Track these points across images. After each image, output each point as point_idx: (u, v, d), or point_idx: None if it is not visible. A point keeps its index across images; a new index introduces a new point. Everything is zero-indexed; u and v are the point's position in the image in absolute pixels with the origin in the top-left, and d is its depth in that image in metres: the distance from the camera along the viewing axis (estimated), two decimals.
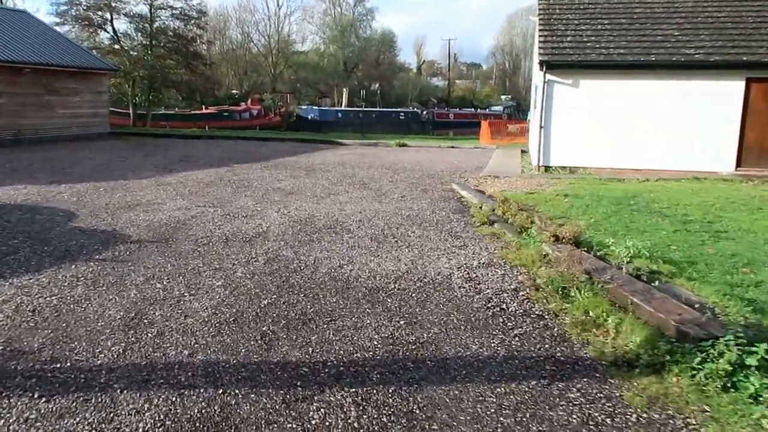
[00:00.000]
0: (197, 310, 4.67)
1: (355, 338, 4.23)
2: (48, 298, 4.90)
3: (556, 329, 4.51)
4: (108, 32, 32.98)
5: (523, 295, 5.24)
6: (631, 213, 8.87)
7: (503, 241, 7.23)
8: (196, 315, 4.57)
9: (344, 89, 51.49)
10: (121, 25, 33.69)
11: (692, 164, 13.27)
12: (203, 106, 42.03)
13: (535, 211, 8.95)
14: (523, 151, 20.12)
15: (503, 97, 69.15)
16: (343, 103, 50.17)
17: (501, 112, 53.41)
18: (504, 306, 4.98)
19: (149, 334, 4.18)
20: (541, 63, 13.79)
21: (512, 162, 16.92)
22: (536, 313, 4.84)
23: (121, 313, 4.58)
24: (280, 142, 23.10)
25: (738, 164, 13.32)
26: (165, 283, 5.37)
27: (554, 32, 14.68)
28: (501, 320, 4.66)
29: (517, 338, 4.32)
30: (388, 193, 10.79)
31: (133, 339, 4.10)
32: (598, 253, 6.20)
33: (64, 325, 4.34)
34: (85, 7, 31.65)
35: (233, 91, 50.59)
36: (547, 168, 14.39)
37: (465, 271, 5.93)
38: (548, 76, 13.93)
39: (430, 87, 71.03)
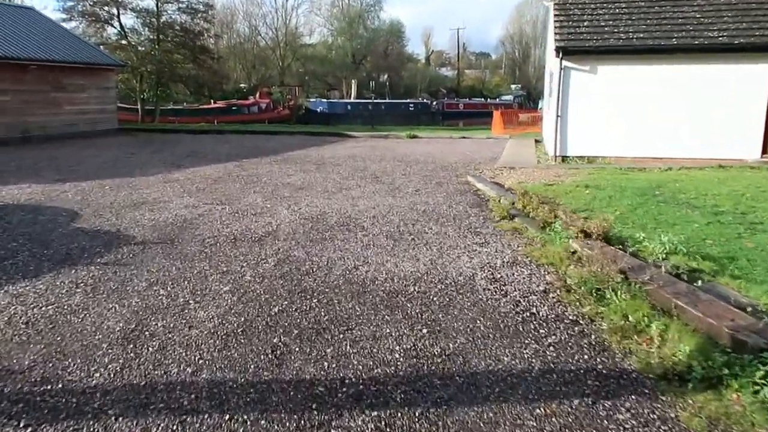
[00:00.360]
0: (202, 320, 4.31)
1: (375, 350, 3.84)
2: (44, 308, 4.55)
3: (593, 336, 4.10)
4: (115, 27, 32.71)
5: (553, 298, 4.82)
6: (657, 204, 8.40)
7: (526, 237, 6.80)
8: (202, 325, 4.21)
9: (353, 81, 50.96)
10: (128, 20, 33.45)
11: (716, 152, 12.73)
12: (211, 101, 41.76)
13: (556, 203, 8.51)
14: (536, 141, 19.62)
15: (513, 86, 68.31)
16: (352, 95, 49.68)
17: (511, 102, 52.67)
18: (534, 310, 4.57)
19: (150, 349, 3.82)
20: (558, 49, 13.27)
21: (527, 152, 16.43)
22: (570, 317, 4.43)
23: (121, 324, 4.22)
24: (289, 136, 22.73)
25: (764, 151, 12.77)
26: (169, 289, 5.01)
27: (570, 17, 14.14)
28: (532, 327, 4.26)
29: (552, 348, 3.92)
30: (402, 186, 10.38)
31: (132, 354, 3.74)
32: (630, 250, 5.77)
33: (59, 338, 3.99)
34: (91, 3, 31.36)
35: (241, 85, 50.25)
36: (564, 158, 13.90)
37: (489, 271, 5.52)
38: (565, 63, 13.41)
39: (439, 77, 70.30)
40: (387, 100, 50.10)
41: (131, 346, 3.86)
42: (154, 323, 4.24)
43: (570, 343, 3.99)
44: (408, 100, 51.24)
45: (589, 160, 13.73)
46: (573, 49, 13.28)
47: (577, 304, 4.67)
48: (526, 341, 4.02)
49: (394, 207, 8.53)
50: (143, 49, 32.67)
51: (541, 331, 4.19)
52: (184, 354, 3.74)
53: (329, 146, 18.34)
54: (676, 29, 13.09)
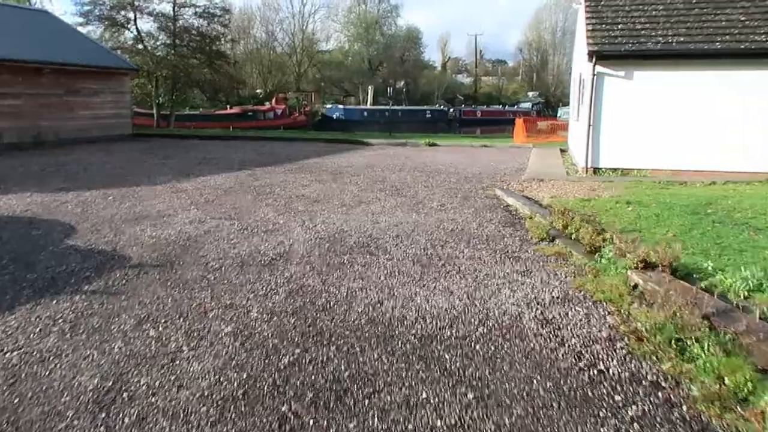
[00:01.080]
0: (196, 376, 3.49)
1: (410, 427, 2.99)
2: (9, 354, 3.77)
3: (684, 407, 3.21)
4: (131, 32, 32.31)
5: (622, 349, 3.94)
6: (713, 225, 7.47)
7: (573, 264, 5.92)
8: (194, 384, 3.39)
9: (369, 87, 50.30)
10: (145, 24, 33.08)
11: (765, 165, 11.72)
12: (227, 106, 41.30)
13: (597, 222, 7.61)
14: (562, 150, 18.69)
15: (530, 93, 67.24)
16: (369, 102, 49.00)
17: (530, 109, 51.66)
18: (602, 366, 3.69)
19: (126, 420, 3.00)
20: (591, 54, 12.36)
21: (554, 162, 15.50)
22: (649, 378, 3.54)
23: (96, 381, 3.42)
24: (305, 143, 22.00)
25: None
26: (161, 329, 4.21)
27: (603, 20, 13.22)
28: (604, 391, 3.38)
29: (636, 425, 3.04)
30: (425, 201, 9.53)
31: (102, 429, 2.92)
32: (703, 284, 4.86)
33: (17, 401, 3.19)
34: (108, 7, 31.00)
35: (257, 91, 49.80)
36: (596, 170, 12.96)
37: (537, 308, 4.65)
38: (598, 68, 12.49)
39: (455, 84, 69.40)
40: (404, 107, 49.36)
41: (103, 415, 3.04)
42: (136, 380, 3.43)
43: (657, 418, 3.11)
44: (425, 107, 50.44)
45: (624, 172, 12.78)
46: (607, 53, 12.36)
47: (654, 358, 3.78)
48: (601, 413, 3.14)
49: (419, 225, 7.69)
50: (159, 53, 32.25)
51: (616, 397, 3.31)
52: (167, 429, 2.92)
53: (346, 154, 17.55)
54: (720, 32, 12.11)
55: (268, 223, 7.79)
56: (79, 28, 28.07)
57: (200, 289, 5.09)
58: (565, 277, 5.48)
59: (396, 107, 44.95)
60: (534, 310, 4.62)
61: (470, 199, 9.75)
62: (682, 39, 12.24)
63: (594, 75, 12.52)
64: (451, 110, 49.47)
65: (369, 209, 8.76)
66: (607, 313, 4.55)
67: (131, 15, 31.41)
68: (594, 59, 12.36)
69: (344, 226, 7.60)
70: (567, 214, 7.56)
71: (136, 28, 31.97)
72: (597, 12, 13.53)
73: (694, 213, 8.17)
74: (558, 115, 45.91)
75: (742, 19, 12.36)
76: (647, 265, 5.22)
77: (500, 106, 55.72)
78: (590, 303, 4.77)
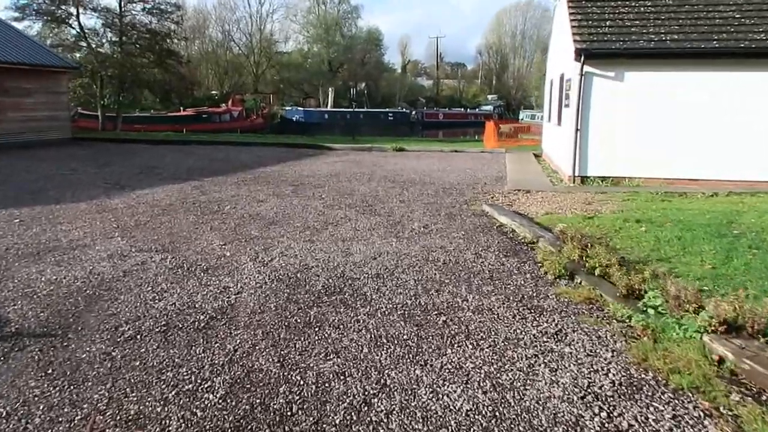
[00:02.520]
0: None
1: None
2: None
3: None
4: (74, 28, 29.58)
5: None
6: (752, 252, 6.15)
7: (614, 318, 4.41)
8: None
9: (329, 89, 48.46)
10: (89, 20, 30.43)
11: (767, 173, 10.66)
12: (181, 108, 38.80)
13: (612, 248, 6.20)
14: (536, 155, 17.45)
15: (489, 96, 66.71)
16: (329, 104, 47.19)
17: (491, 112, 50.86)
18: None
19: None
20: (578, 52, 11.03)
21: (533, 170, 14.18)
22: None
23: None
24: (263, 147, 20.13)
25: None
26: None
27: (589, 16, 11.95)
28: None
29: None
30: (404, 221, 7.93)
31: None
32: None
33: None
34: (48, 1, 28.22)
35: (213, 92, 47.24)
36: (583, 179, 11.66)
37: (599, 408, 3.10)
38: (586, 68, 11.17)
39: (416, 87, 68.20)
40: (365, 110, 47.77)
41: None
42: None
43: None
44: (387, 110, 48.99)
45: (614, 181, 11.51)
46: (597, 51, 11.06)
47: None
48: None
49: (403, 256, 6.08)
50: (104, 51, 29.65)
51: None
52: None
53: (307, 161, 15.82)
54: (716, 31, 10.98)
55: (210, 256, 6.04)
56: (15, 24, 25.37)
57: (96, 381, 3.34)
58: (615, 342, 3.96)
59: (358, 110, 43.34)
60: (595, 411, 3.07)
61: (456, 217, 8.21)
62: (676, 37, 11.06)
63: (582, 75, 11.20)
64: (414, 113, 48.17)
65: (338, 233, 7.10)
66: (703, 415, 3.04)
67: (73, 10, 28.69)
68: (582, 58, 11.04)
69: (309, 259, 5.93)
70: (579, 241, 6.08)
71: (79, 24, 29.27)
72: (581, 7, 12.26)
73: (720, 235, 6.86)
74: (520, 117, 45.23)
75: (737, 16, 11.28)
76: (728, 327, 3.77)
77: (462, 109, 54.79)
78: (670, 394, 3.25)
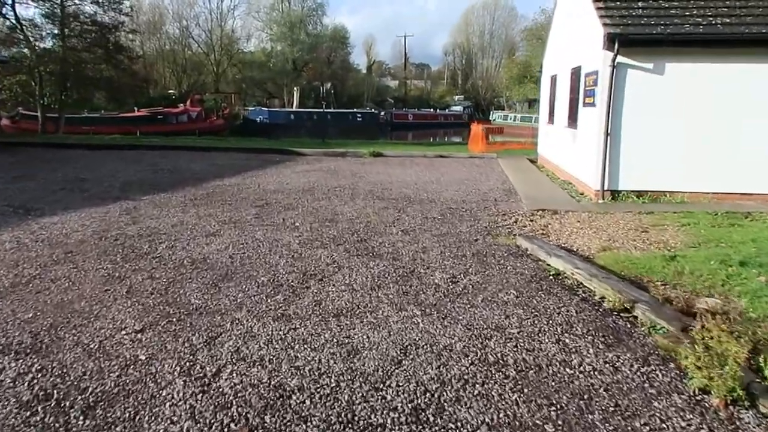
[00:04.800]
0: None
1: None
2: None
3: None
4: (7, 18, 25.84)
5: None
6: None
7: None
8: None
9: (295, 89, 45.44)
10: (26, 10, 26.77)
11: None
12: (135, 108, 35.19)
13: (751, 321, 3.84)
14: (531, 161, 15.19)
15: (456, 97, 64.78)
16: (294, 104, 44.20)
17: (461, 113, 48.80)
18: None
19: None
20: (610, 38, 8.73)
21: (541, 180, 11.84)
22: None
23: None
24: (222, 153, 17.25)
25: None
26: None
27: None
28: None
29: None
30: (419, 267, 5.38)
31: None
32: None
33: None
34: None
35: (170, 91, 43.52)
36: (614, 194, 9.36)
37: None
38: (619, 58, 8.88)
39: (383, 87, 65.59)
40: (333, 110, 44.98)
41: None
42: None
43: None
44: (356, 110, 46.30)
45: (652, 197, 9.24)
46: (635, 37, 8.79)
47: None
48: None
49: (444, 356, 3.51)
50: (44, 45, 26.06)
51: None
52: None
53: (274, 170, 13.09)
54: None
55: (110, 364, 3.36)
56: None
57: None
58: None
59: (325, 110, 40.55)
60: None
61: (488, 259, 5.71)
62: (727, 20, 8.86)
63: (614, 67, 8.90)
64: (383, 113, 45.65)
65: (327, 299, 4.50)
66: None
67: None
68: (616, 45, 8.73)
69: (284, 371, 3.30)
70: (727, 320, 3.65)
71: (15, 13, 25.56)
72: None
73: None
74: (492, 118, 43.26)
75: None
76: None
77: (432, 110, 52.56)
78: None
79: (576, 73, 11.13)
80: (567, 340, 3.76)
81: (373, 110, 47.20)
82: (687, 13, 9.11)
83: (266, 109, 42.50)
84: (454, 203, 8.94)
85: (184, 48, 47.63)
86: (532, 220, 7.74)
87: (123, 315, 4.12)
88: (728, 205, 8.61)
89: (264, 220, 7.47)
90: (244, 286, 4.77)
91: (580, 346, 3.68)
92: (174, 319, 4.04)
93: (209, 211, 8.02)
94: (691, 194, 9.13)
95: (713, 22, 8.83)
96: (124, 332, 3.82)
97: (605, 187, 9.34)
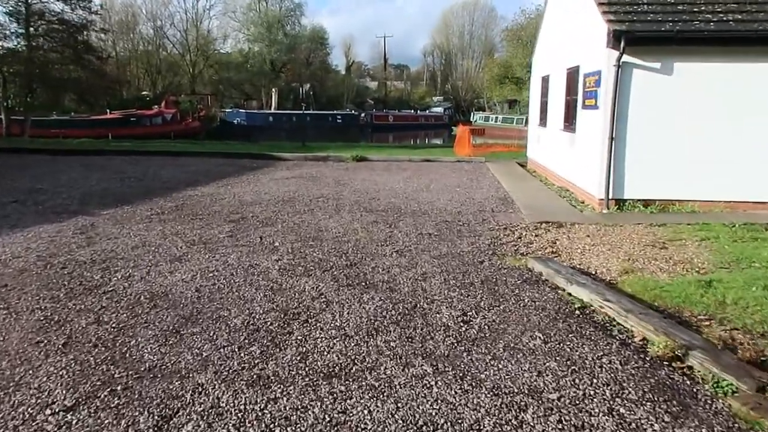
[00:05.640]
0: None
1: None
2: None
3: None
4: None
5: None
6: None
7: None
8: None
9: (273, 90, 44.24)
10: None
11: None
12: (107, 111, 33.70)
13: None
14: (521, 165, 14.50)
15: (435, 98, 64.17)
16: (273, 106, 43.02)
17: (442, 114, 48.15)
18: None
19: None
20: (615, 35, 8.00)
21: (537, 188, 11.10)
22: None
23: None
24: (196, 158, 16.21)
25: None
26: None
27: None
28: None
29: None
30: (422, 302, 4.53)
31: None
32: None
33: None
34: None
35: (144, 93, 41.95)
36: (619, 202, 8.64)
37: None
38: (625, 57, 8.16)
39: (363, 88, 64.55)
40: (313, 112, 43.92)
41: None
42: None
43: None
44: (335, 112, 45.32)
45: (660, 206, 8.54)
46: (643, 35, 8.06)
47: None
48: None
49: None
50: (8, 45, 24.62)
51: None
52: None
53: (251, 177, 12.13)
54: None
55: None
56: None
57: None
58: None
59: (305, 112, 39.49)
60: None
61: (500, 288, 4.88)
62: (739, 17, 8.21)
63: (619, 66, 8.17)
64: (363, 115, 44.73)
65: (315, 351, 3.62)
66: None
67: None
68: (622, 43, 8.00)
69: None
70: None
71: None
72: None
73: None
74: (473, 119, 42.65)
75: None
76: None
77: (412, 111, 51.81)
78: None
79: (573, 73, 10.40)
80: (622, 410, 2.94)
81: (353, 112, 46.24)
82: (695, 9, 8.44)
83: (244, 110, 41.27)
84: (449, 215, 8.11)
85: (158, 48, 46.03)
86: (537, 235, 6.96)
87: (53, 382, 3.18)
88: (742, 214, 7.95)
89: (239, 239, 6.54)
90: (212, 333, 3.87)
91: (640, 418, 2.86)
92: (119, 388, 3.12)
93: (177, 228, 7.05)
94: (702, 203, 8.45)
95: (724, 18, 8.17)
96: (49, 411, 2.89)
97: (610, 196, 8.62)
